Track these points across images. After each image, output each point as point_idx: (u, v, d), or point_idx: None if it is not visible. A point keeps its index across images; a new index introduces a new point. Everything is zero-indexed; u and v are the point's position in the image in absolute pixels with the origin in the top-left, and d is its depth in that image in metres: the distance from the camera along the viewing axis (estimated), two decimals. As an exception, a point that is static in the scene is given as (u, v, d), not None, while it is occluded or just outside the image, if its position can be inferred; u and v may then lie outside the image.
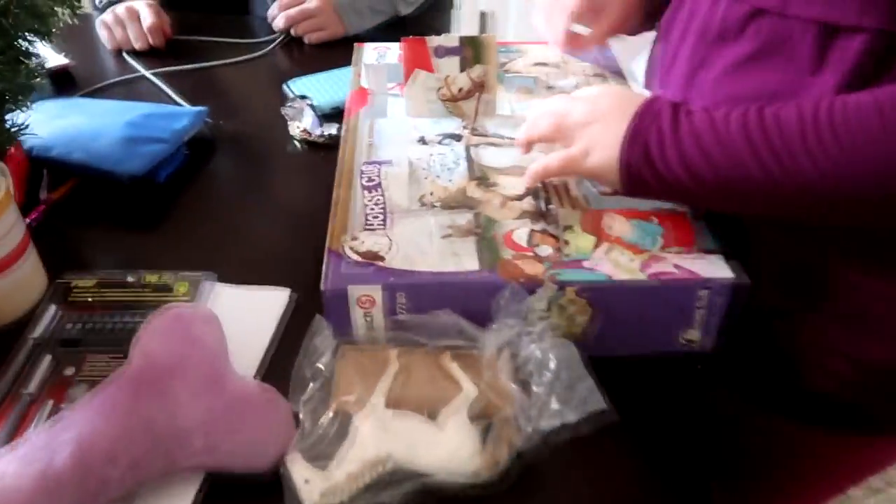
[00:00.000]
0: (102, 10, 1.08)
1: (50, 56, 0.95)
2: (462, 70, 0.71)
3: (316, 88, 0.91)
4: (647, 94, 0.58)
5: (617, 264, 0.54)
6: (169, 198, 0.75)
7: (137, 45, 1.04)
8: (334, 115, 0.85)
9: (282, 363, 0.54)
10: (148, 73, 0.98)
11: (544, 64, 0.83)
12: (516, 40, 0.88)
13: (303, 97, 0.89)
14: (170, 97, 0.92)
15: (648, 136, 0.52)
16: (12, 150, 0.68)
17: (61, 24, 0.64)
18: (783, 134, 0.47)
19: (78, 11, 0.64)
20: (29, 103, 0.65)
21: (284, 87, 0.92)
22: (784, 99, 0.50)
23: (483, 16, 2.29)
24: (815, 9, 0.50)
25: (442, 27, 1.30)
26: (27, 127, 0.68)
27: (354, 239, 0.56)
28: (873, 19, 0.48)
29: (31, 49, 0.61)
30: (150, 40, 1.04)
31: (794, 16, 0.51)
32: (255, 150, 0.84)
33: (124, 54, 1.04)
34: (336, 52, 0.98)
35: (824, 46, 0.51)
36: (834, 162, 0.46)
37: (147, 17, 1.04)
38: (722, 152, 0.49)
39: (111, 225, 0.72)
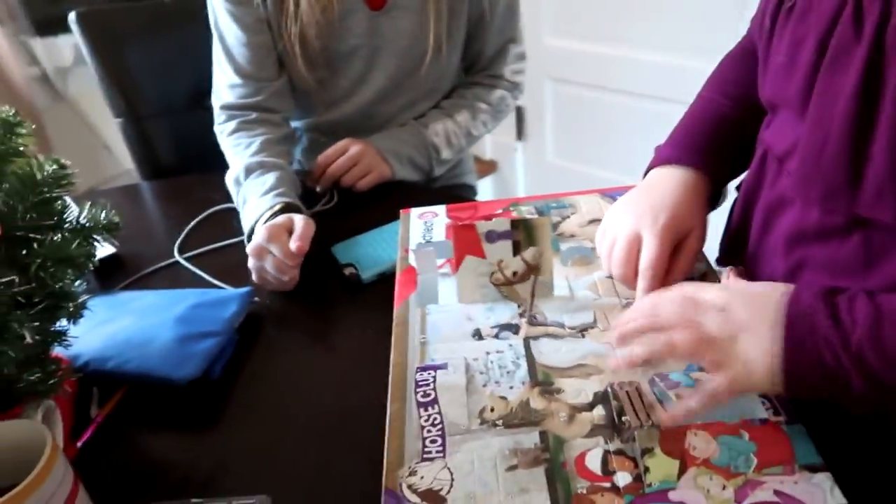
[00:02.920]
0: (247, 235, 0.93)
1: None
2: (515, 253, 0.67)
3: (361, 253, 0.89)
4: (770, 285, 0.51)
5: (708, 495, 0.48)
6: (221, 395, 0.73)
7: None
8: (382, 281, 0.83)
9: None
10: (181, 259, 0.95)
11: (599, 220, 0.79)
12: (566, 192, 0.85)
13: (347, 264, 0.88)
14: (211, 282, 0.90)
15: (817, 342, 0.46)
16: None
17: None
18: None
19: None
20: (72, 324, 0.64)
21: (333, 251, 0.91)
22: None
23: (519, 111, 2.29)
24: None
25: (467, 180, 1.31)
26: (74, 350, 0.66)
27: (413, 474, 0.52)
28: None
29: (67, 289, 0.60)
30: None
31: None
32: (307, 328, 0.81)
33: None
34: (379, 210, 0.96)
35: None
36: None
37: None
38: None
39: (163, 433, 0.69)
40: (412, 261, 0.75)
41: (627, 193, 0.72)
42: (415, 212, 0.85)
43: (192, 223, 1.04)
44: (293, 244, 0.82)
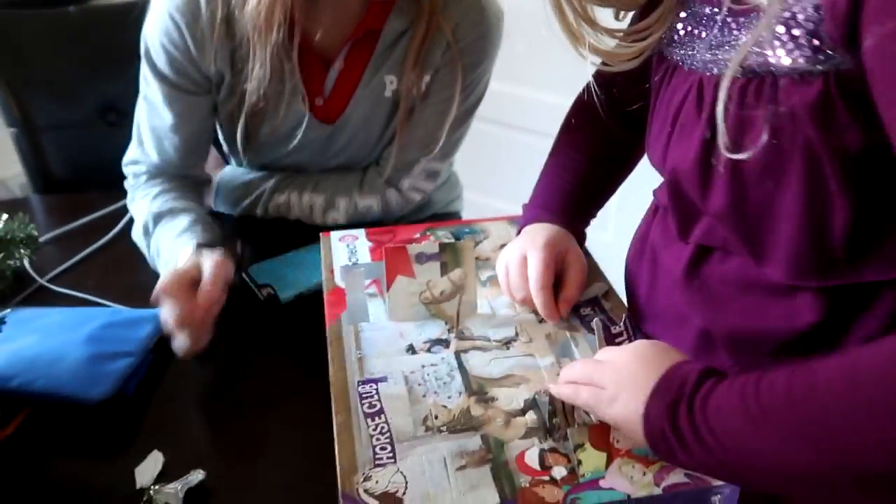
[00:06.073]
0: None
1: None
2: (442, 274, 0.72)
3: (279, 274, 0.90)
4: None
5: (632, 480, 0.55)
6: (134, 416, 0.71)
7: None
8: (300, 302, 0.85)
9: None
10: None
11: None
12: (477, 219, 0.92)
13: (265, 285, 0.88)
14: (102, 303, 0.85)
15: (677, 396, 0.50)
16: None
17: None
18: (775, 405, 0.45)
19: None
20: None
21: (244, 275, 0.90)
22: None
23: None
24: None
25: None
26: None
27: (368, 479, 0.54)
28: None
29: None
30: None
31: None
32: (224, 349, 0.80)
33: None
34: (295, 233, 0.97)
35: None
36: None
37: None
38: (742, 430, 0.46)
39: (71, 456, 0.66)
40: (339, 281, 0.77)
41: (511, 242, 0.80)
42: (335, 234, 0.87)
43: (103, 240, 0.98)
44: (202, 291, 0.74)
